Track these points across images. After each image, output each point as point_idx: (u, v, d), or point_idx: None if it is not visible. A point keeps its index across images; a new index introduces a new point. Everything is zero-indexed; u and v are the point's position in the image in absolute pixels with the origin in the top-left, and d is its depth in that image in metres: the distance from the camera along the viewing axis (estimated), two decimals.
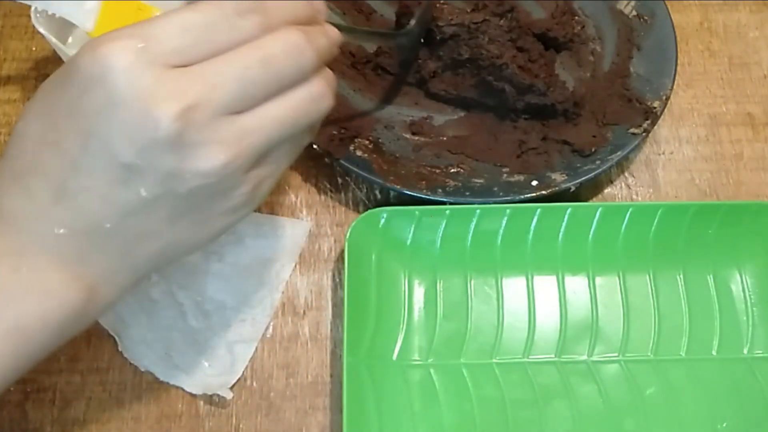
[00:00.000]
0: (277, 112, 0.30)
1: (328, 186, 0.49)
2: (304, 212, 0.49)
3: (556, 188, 0.47)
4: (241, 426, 0.43)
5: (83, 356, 0.44)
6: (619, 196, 0.50)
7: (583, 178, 0.47)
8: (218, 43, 0.29)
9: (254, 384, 0.44)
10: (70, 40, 0.50)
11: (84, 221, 0.30)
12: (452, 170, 0.48)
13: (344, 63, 0.52)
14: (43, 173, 0.29)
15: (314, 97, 0.31)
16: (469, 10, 0.50)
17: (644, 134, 0.49)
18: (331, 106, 0.33)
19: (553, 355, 0.44)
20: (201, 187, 0.29)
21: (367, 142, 0.49)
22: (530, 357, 0.44)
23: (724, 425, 0.43)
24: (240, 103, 0.29)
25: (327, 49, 0.33)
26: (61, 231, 0.30)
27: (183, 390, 0.43)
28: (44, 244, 0.30)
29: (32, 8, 0.46)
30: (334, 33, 0.34)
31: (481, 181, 0.48)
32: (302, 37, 0.30)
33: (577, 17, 0.54)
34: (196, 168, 0.29)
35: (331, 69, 0.53)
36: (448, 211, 0.45)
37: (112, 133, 0.28)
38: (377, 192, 0.49)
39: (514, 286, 0.46)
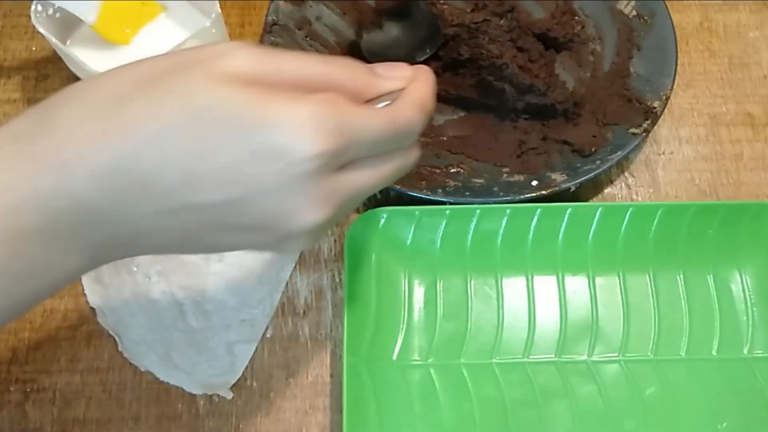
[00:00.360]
0: (383, 172, 0.31)
1: None
2: None
3: (556, 188, 0.47)
4: (241, 426, 0.43)
5: (83, 356, 0.44)
6: (619, 196, 0.50)
7: (583, 178, 0.47)
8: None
9: (254, 384, 0.44)
10: (69, 40, 0.50)
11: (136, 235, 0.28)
12: (452, 170, 0.48)
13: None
14: (157, 192, 0.27)
15: (410, 160, 0.33)
16: (469, 10, 0.50)
17: (644, 134, 0.49)
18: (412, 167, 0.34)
19: (553, 355, 0.44)
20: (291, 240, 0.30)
21: None
22: (530, 357, 0.44)
23: (724, 425, 0.43)
24: (363, 155, 0.30)
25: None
26: (115, 232, 0.28)
27: (183, 390, 0.43)
28: (76, 232, 0.27)
29: (32, 7, 0.46)
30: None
31: (481, 181, 0.48)
32: (423, 116, 0.31)
33: (577, 17, 0.54)
34: (294, 230, 0.29)
35: None
36: (448, 211, 0.45)
37: (253, 202, 0.27)
38: (377, 192, 0.49)
39: (514, 286, 0.46)
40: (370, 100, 0.31)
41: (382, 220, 0.45)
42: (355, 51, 0.52)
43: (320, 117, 0.27)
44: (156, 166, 0.26)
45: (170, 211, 0.27)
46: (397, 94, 0.31)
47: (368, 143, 0.29)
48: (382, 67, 0.31)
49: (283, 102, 0.27)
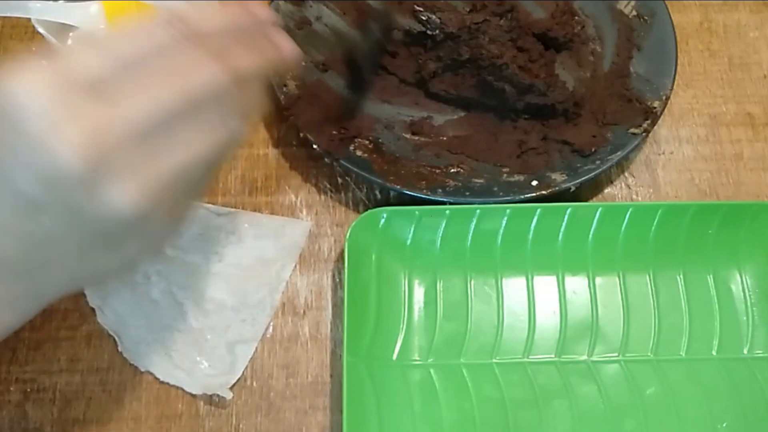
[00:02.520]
0: (193, 144, 0.28)
1: (328, 186, 0.49)
2: (304, 212, 0.49)
3: (556, 188, 0.47)
4: (241, 426, 0.43)
5: (83, 356, 0.44)
6: (619, 196, 0.50)
7: (583, 178, 0.47)
8: (141, 68, 0.27)
9: (254, 384, 0.44)
10: (69, 41, 0.50)
11: None
12: (452, 170, 0.48)
13: (344, 63, 0.52)
14: None
15: (231, 130, 0.29)
16: (468, 11, 0.50)
17: (644, 134, 0.49)
18: (244, 137, 0.31)
19: (553, 355, 0.44)
20: (113, 222, 0.27)
21: (367, 142, 0.49)
22: (530, 357, 0.44)
23: (724, 425, 0.43)
24: (155, 134, 0.27)
25: (258, 70, 0.31)
26: None
27: (183, 390, 0.43)
28: None
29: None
30: (285, 47, 0.33)
31: (481, 181, 0.48)
32: (223, 71, 0.28)
33: (577, 17, 0.54)
34: (106, 204, 0.26)
35: (332, 69, 0.54)
36: (448, 211, 0.45)
37: (15, 164, 0.26)
38: (377, 192, 0.49)
39: (514, 286, 0.46)
40: None
41: (382, 220, 0.45)
42: (356, 53, 0.52)
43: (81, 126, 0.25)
44: None
45: None
46: None
47: (149, 120, 0.27)
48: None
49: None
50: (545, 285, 0.46)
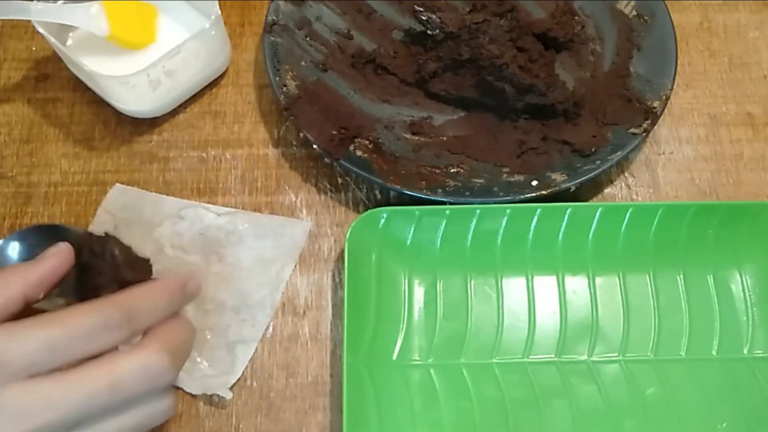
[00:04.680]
0: (119, 428, 0.31)
1: (328, 186, 0.50)
2: (304, 212, 0.49)
3: (556, 188, 0.47)
4: (241, 426, 0.43)
5: None
6: (619, 196, 0.50)
7: (583, 178, 0.47)
8: (77, 354, 0.30)
9: (254, 384, 0.44)
10: (69, 41, 0.50)
11: None
12: (452, 170, 0.48)
13: (344, 63, 0.52)
14: None
15: (158, 413, 0.32)
16: (468, 10, 0.51)
17: (644, 134, 0.49)
18: (170, 416, 0.34)
19: (553, 355, 0.44)
20: None
21: (367, 142, 0.49)
22: (530, 357, 0.44)
23: (724, 425, 0.43)
24: (83, 422, 0.29)
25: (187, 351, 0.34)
26: None
27: (183, 390, 0.43)
28: None
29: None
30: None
31: (481, 181, 0.48)
32: (164, 362, 0.31)
33: (577, 17, 0.54)
34: None
35: (332, 69, 0.54)
36: (448, 211, 0.45)
37: None
38: (377, 192, 0.49)
39: (514, 286, 0.46)
40: None
41: (382, 220, 0.45)
42: (357, 56, 0.52)
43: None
44: None
45: None
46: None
47: (77, 413, 0.29)
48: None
49: None
50: (545, 285, 0.46)
